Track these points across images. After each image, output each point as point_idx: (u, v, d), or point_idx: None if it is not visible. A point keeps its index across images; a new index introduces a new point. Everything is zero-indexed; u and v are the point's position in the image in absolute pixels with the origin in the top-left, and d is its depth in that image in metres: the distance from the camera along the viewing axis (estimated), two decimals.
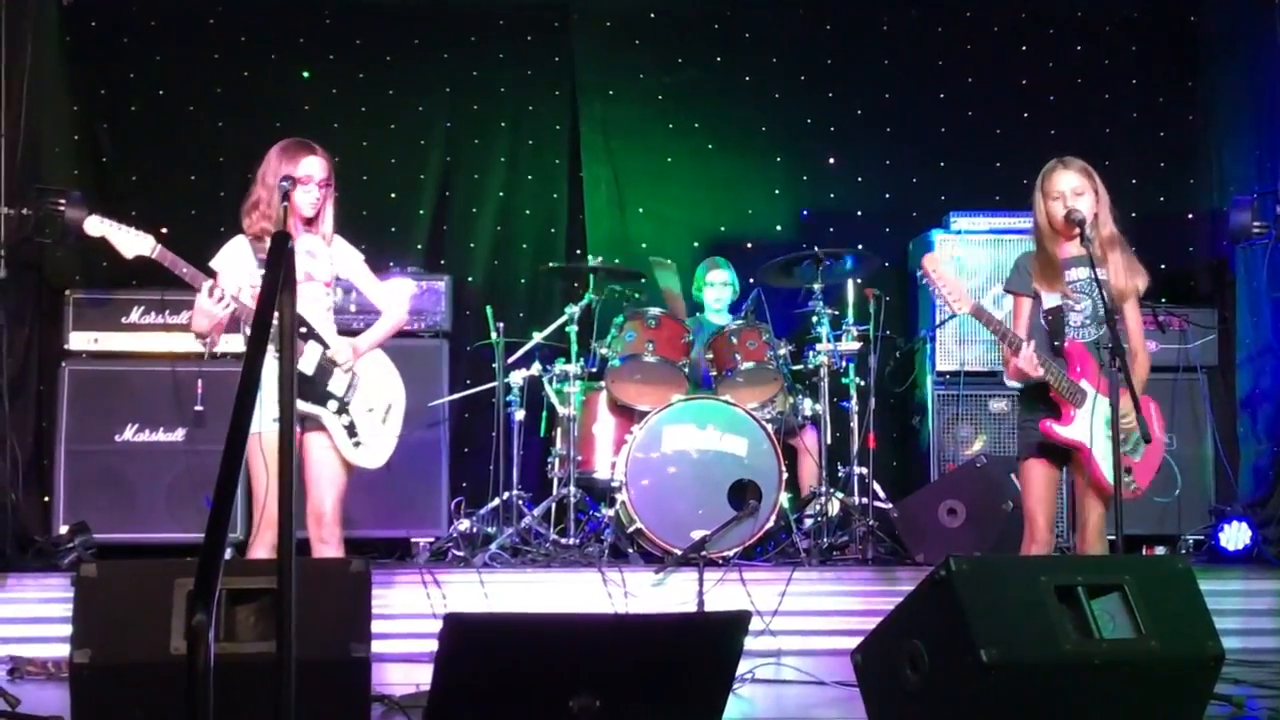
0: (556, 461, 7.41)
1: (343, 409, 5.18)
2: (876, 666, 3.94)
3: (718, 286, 7.97)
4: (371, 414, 5.26)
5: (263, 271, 5.00)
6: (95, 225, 5.07)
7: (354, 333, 5.41)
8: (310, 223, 5.26)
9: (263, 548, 4.96)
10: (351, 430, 5.18)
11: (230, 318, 5.08)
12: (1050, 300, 5.12)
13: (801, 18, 8.96)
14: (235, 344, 5.75)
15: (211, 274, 5.10)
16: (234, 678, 2.90)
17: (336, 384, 5.17)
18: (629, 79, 8.90)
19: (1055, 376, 5.00)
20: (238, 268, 5.14)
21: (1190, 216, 8.79)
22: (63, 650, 3.56)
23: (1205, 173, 8.67)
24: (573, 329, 7.30)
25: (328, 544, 5.14)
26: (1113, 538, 4.66)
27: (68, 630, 3.57)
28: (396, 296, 5.61)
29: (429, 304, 7.63)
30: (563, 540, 7.05)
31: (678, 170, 8.89)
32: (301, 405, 5.04)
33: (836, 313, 7.46)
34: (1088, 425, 5.02)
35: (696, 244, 8.71)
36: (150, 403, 7.26)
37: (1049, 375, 4.98)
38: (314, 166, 5.18)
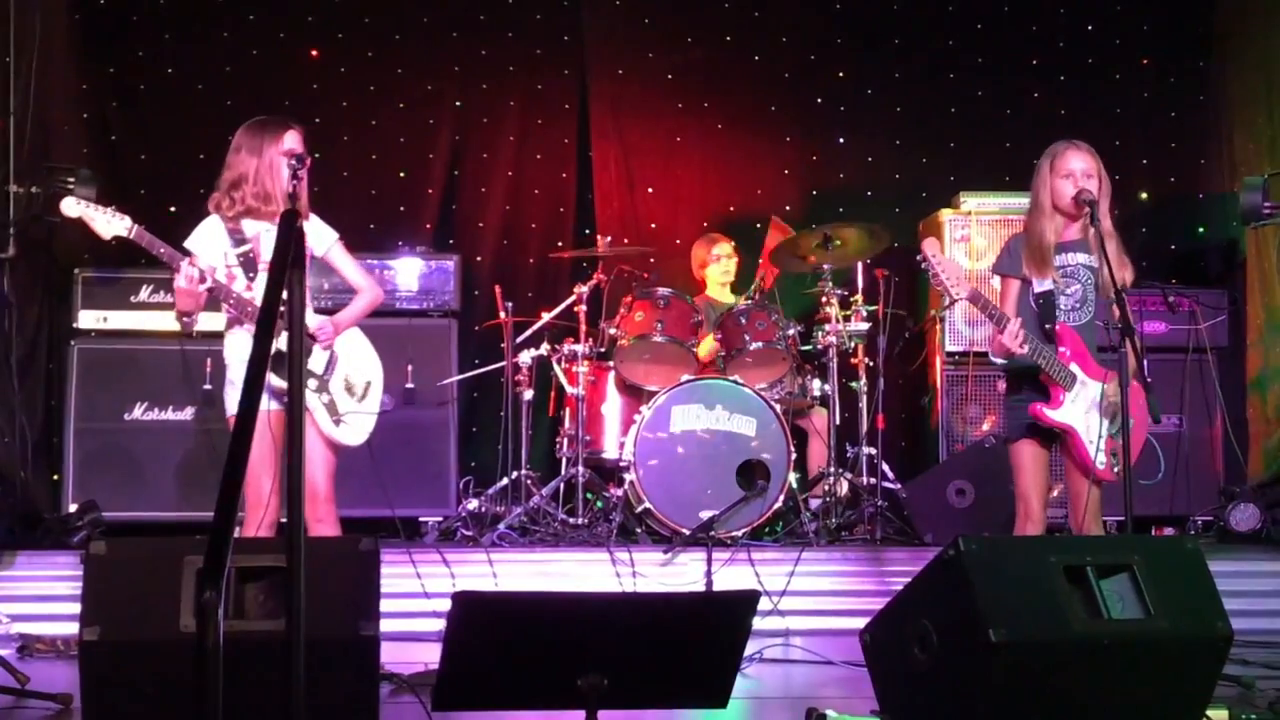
0: (565, 441, 7.40)
1: (322, 387, 5.15)
2: (885, 646, 3.94)
3: (724, 260, 7.94)
4: (350, 392, 5.24)
5: (236, 250, 5.05)
6: (71, 207, 5.05)
7: (326, 313, 5.37)
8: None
9: (253, 527, 4.95)
10: (332, 408, 5.14)
11: (209, 295, 5.04)
12: (1041, 284, 5.09)
13: None
14: (213, 322, 5.67)
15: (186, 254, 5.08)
16: (243, 655, 2.90)
17: (315, 362, 5.14)
18: (638, 58, 8.88)
19: (1045, 360, 4.99)
20: (212, 248, 5.11)
21: (1201, 197, 8.77)
22: (72, 628, 3.56)
23: (1216, 153, 8.65)
24: (581, 308, 7.28)
25: (324, 522, 5.11)
26: (1122, 519, 4.65)
27: (77, 608, 3.57)
28: (371, 275, 5.57)
29: (438, 283, 7.62)
30: (571, 520, 7.05)
31: (687, 149, 8.89)
32: (277, 381, 4.92)
33: (845, 292, 7.44)
34: (1076, 408, 5.02)
35: (706, 223, 8.69)
36: (159, 381, 7.28)
37: (1039, 358, 4.97)
38: (296, 141, 5.16)
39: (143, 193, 8.01)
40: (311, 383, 5.12)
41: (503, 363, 7.42)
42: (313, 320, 5.17)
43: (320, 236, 5.32)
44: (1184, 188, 8.82)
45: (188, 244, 5.14)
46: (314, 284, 5.31)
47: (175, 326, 7.16)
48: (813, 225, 7.51)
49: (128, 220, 5.03)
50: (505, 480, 7.29)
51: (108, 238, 5.05)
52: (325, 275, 6.06)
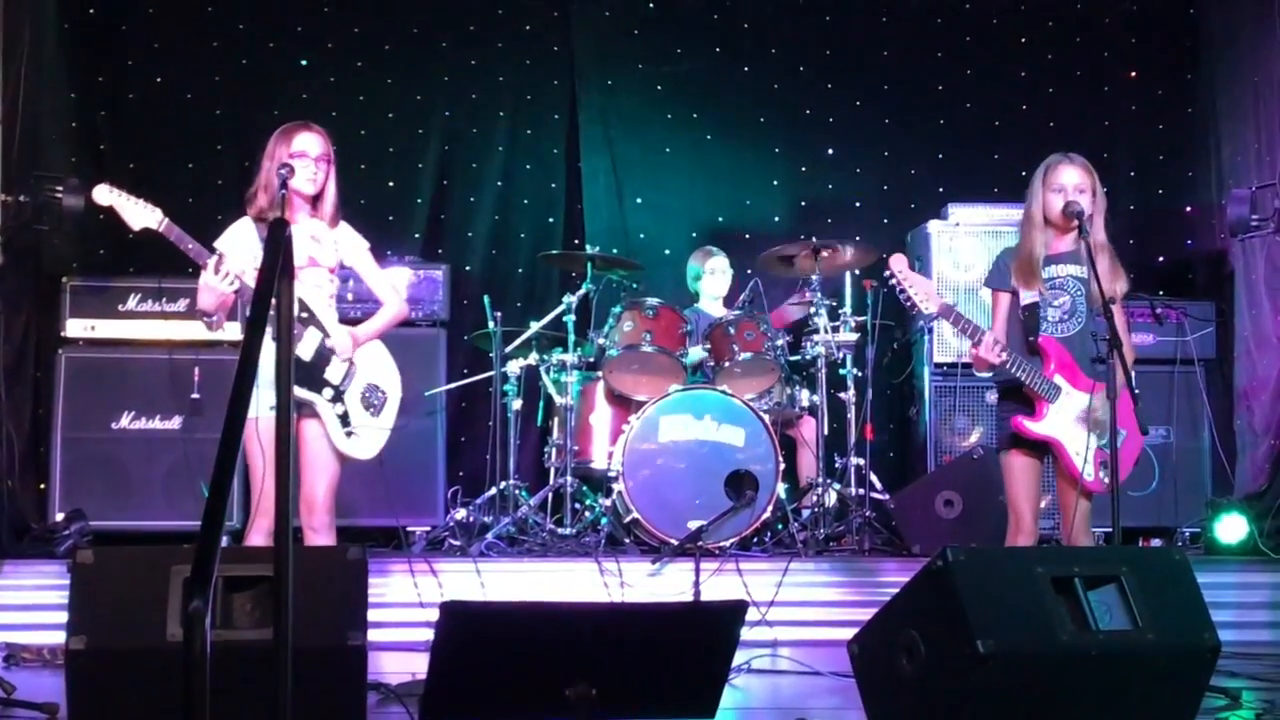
0: (553, 451, 7.40)
1: (338, 398, 5.16)
2: (873, 657, 3.94)
3: (719, 274, 7.93)
4: (366, 405, 5.24)
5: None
6: (104, 194, 5.04)
7: (351, 322, 5.39)
8: (314, 205, 5.23)
9: (258, 535, 4.95)
10: (345, 420, 5.15)
11: (233, 301, 5.07)
12: (1027, 296, 5.10)
13: (800, 9, 8.96)
14: (234, 331, 5.73)
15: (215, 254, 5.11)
16: (230, 665, 2.90)
17: (333, 372, 5.15)
18: (628, 69, 8.90)
19: (1027, 373, 4.99)
20: (241, 249, 5.13)
21: (1189, 209, 8.79)
22: (59, 637, 3.56)
23: (1204, 166, 8.66)
24: (570, 318, 7.28)
25: (318, 532, 5.13)
26: (1109, 529, 4.66)
27: (64, 617, 3.57)
28: (398, 289, 5.57)
29: (426, 293, 7.63)
30: (559, 530, 7.05)
31: (676, 160, 8.89)
32: (296, 391, 4.99)
33: (834, 303, 7.45)
34: (1060, 420, 5.03)
35: (695, 234, 8.70)
36: (147, 390, 7.26)
37: (1019, 371, 4.98)
38: (308, 142, 5.15)
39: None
40: (328, 393, 5.13)
41: (491, 372, 7.41)
42: (336, 332, 5.18)
43: (350, 244, 5.34)
44: (1171, 200, 8.84)
45: (217, 244, 5.16)
46: (337, 291, 5.31)
47: (163, 335, 7.29)
48: (801, 236, 7.52)
49: (159, 213, 5.03)
50: (493, 490, 7.28)
51: (136, 228, 5.04)
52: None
